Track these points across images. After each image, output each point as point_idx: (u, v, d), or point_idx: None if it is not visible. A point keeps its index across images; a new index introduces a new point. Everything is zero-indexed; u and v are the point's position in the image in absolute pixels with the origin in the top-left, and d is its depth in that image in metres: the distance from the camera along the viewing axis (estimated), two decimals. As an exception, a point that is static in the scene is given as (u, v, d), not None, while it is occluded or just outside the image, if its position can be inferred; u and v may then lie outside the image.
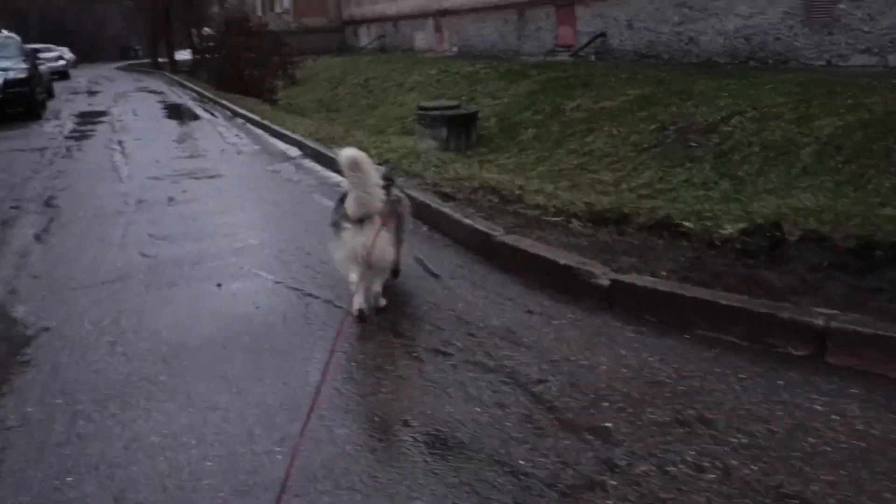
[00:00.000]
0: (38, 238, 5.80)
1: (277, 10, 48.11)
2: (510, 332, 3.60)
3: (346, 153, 3.69)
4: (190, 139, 11.30)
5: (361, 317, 3.75)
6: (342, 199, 3.91)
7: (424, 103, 15.55)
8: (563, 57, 21.67)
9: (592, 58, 20.24)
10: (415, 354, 3.44)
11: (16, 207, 6.94)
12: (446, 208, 5.38)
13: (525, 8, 23.88)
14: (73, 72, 39.34)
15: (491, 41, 26.77)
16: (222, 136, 11.53)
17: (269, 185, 7.41)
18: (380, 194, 3.75)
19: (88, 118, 15.15)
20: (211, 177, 8.04)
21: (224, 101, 16.21)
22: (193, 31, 45.95)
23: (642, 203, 6.24)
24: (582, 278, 3.92)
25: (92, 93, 23.33)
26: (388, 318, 3.85)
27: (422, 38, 33.30)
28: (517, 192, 6.14)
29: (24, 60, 15.47)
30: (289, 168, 8.28)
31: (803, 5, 14.06)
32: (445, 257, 4.80)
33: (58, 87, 25.42)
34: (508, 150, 13.53)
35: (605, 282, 3.82)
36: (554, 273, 4.09)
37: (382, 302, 3.94)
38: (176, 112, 16.25)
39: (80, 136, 12.21)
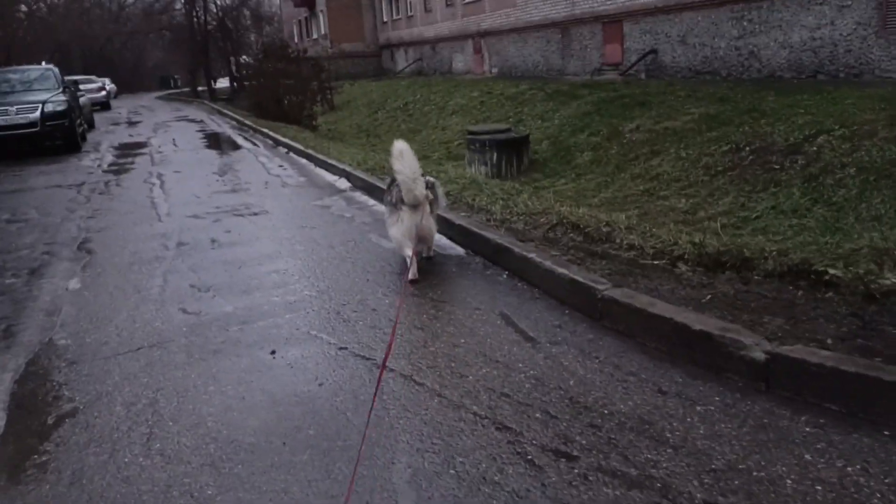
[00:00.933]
0: (68, 291, 5.17)
1: (314, 35, 48.18)
2: (645, 423, 2.83)
3: (398, 145, 4.68)
4: (231, 171, 10.75)
5: (414, 282, 4.75)
6: (390, 186, 5.03)
7: (473, 127, 14.89)
8: (611, 75, 20.89)
9: (643, 76, 19.44)
10: (528, 457, 2.68)
11: (48, 253, 6.36)
12: (532, 254, 4.62)
13: (569, 27, 23.19)
14: (114, 102, 39.66)
15: (533, 61, 26.11)
16: (265, 166, 10.96)
17: (319, 224, 6.74)
18: (423, 183, 4.77)
19: (128, 150, 14.76)
20: (255, 214, 7.41)
21: (264, 130, 15.73)
22: (232, 59, 46.31)
23: (749, 239, 5.43)
24: (727, 349, 3.12)
25: (132, 123, 23.16)
26: (484, 400, 3.11)
27: (460, 60, 32.81)
28: (604, 228, 5.38)
29: (63, 92, 15.18)
30: (339, 203, 7.61)
31: (878, 15, 13.12)
32: (538, 314, 4.04)
33: (99, 117, 25.39)
34: (564, 175, 12.77)
35: (759, 355, 3.02)
36: (687, 341, 3.30)
37: (432, 252, 5.27)
38: (216, 142, 15.81)
39: (118, 169, 11.75)
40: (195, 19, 43.96)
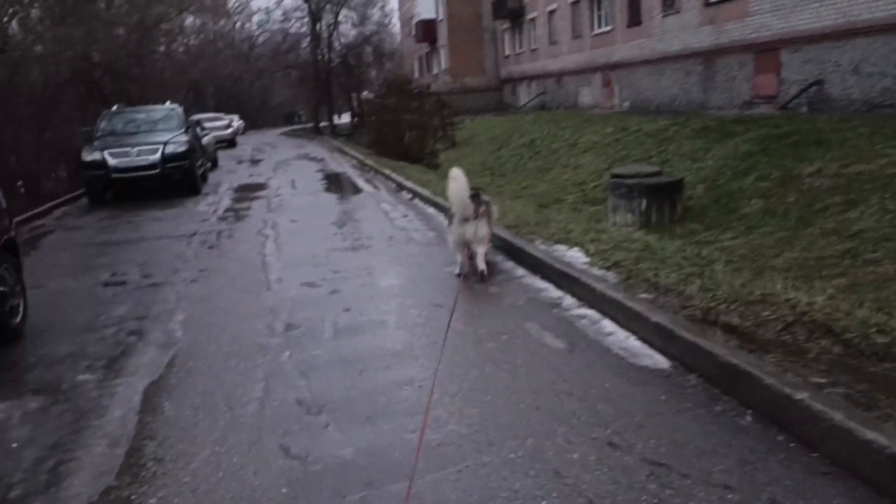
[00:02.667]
0: (144, 404, 3.98)
1: (434, 70, 47.93)
2: None
3: (455, 171, 6.01)
4: (351, 221, 9.63)
5: (461, 276, 5.93)
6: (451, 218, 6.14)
7: (619, 170, 13.25)
8: (765, 109, 18.73)
9: (804, 109, 17.22)
10: None
11: (136, 333, 5.29)
12: (801, 394, 3.03)
13: (713, 57, 21.20)
14: (241, 138, 40.47)
15: (670, 95, 24.18)
16: (388, 215, 9.78)
17: (460, 306, 5.37)
18: (471, 204, 5.91)
19: (246, 192, 14.07)
20: (381, 285, 6.13)
21: (386, 171, 14.70)
22: (353, 94, 46.63)
23: None
24: None
25: (254, 161, 22.92)
26: None
27: (587, 94, 31.23)
28: (874, 335, 3.75)
29: (185, 132, 14.73)
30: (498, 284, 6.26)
31: None
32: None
33: (224, 155, 25.44)
34: (730, 227, 10.91)
35: None
36: None
37: (483, 266, 5.94)
38: (336, 183, 14.92)
39: (233, 216, 10.91)
40: (319, 57, 44.54)
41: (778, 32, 18.17)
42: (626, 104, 27.51)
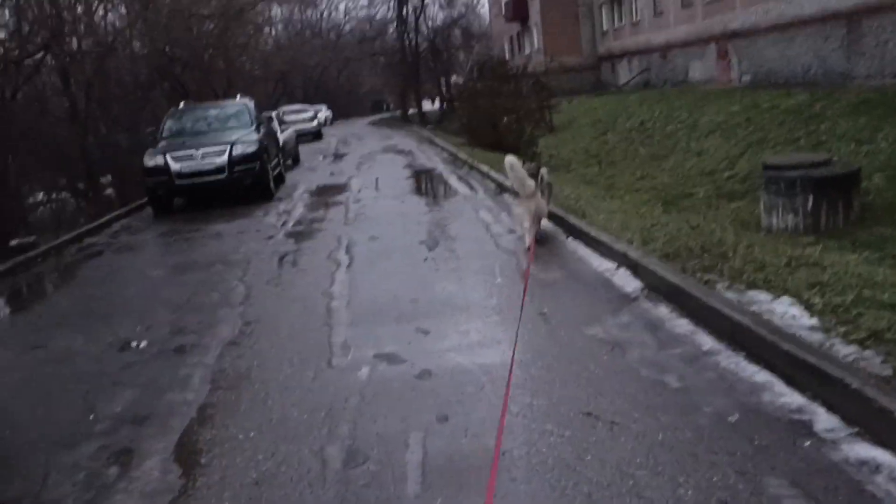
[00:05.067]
0: None
1: (527, 50, 45.42)
2: None
3: (508, 159, 6.63)
4: (444, 239, 7.64)
5: (528, 249, 6.24)
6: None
7: (774, 159, 10.66)
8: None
9: None
10: None
11: (122, 456, 3.45)
12: None
13: (860, 17, 18.04)
14: (328, 129, 39.27)
15: (802, 65, 21.00)
16: (490, 231, 7.73)
17: (616, 402, 3.33)
18: (531, 181, 6.52)
19: (323, 196, 12.30)
20: (493, 363, 4.08)
21: (483, 167, 12.62)
22: (442, 80, 44.73)
23: None
24: None
25: (338, 156, 21.28)
26: None
27: (699, 68, 28.14)
28: None
29: (256, 129, 13.08)
30: (635, 335, 4.17)
31: None
32: None
33: (308, 149, 23.98)
34: (940, 234, 8.35)
35: None
36: None
37: (543, 234, 6.73)
38: (424, 183, 12.99)
39: (304, 231, 9.11)
40: (406, 42, 42.81)
41: (951, -17, 15.02)
42: (747, 78, 24.40)
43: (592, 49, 40.92)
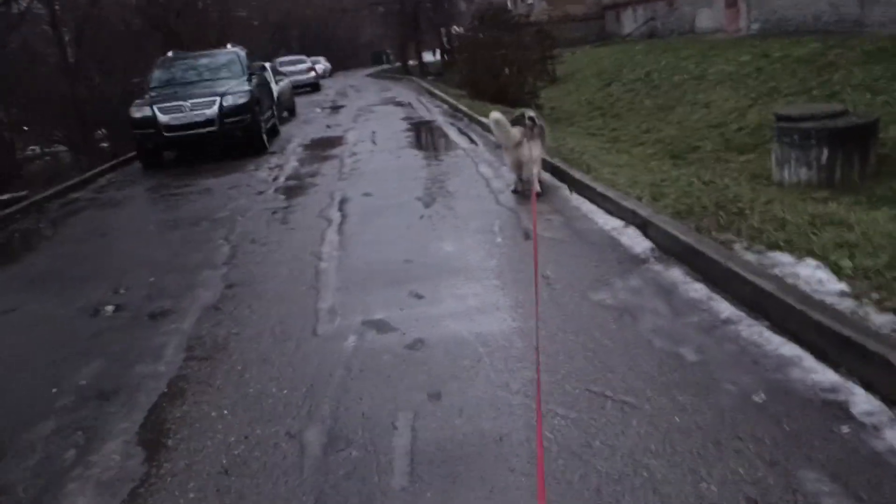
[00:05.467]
0: None
1: (529, 0, 44.26)
2: None
3: (493, 116, 6.40)
4: (442, 195, 7.24)
5: (515, 191, 6.61)
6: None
7: (786, 110, 10.17)
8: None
9: None
10: None
11: (85, 432, 3.14)
12: None
13: (878, -39, 17.33)
14: (326, 81, 38.49)
15: (814, 12, 20.26)
16: (490, 187, 7.33)
17: (630, 378, 3.02)
18: (517, 131, 6.31)
19: (318, 150, 11.85)
20: (492, 331, 3.74)
21: (483, 120, 12.13)
22: (442, 30, 43.65)
23: None
24: None
25: (335, 108, 20.72)
26: None
27: (706, 17, 27.30)
28: None
29: (248, 80, 12.56)
30: (646, 300, 3.83)
31: None
32: None
33: (304, 101, 23.41)
34: (963, 188, 7.94)
35: None
36: None
37: (537, 187, 6.38)
38: (423, 136, 12.53)
39: (295, 187, 8.70)
40: (405, -10, 41.66)
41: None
42: (756, 26, 23.64)
43: (597, -2, 39.81)
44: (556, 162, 7.34)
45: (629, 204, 5.29)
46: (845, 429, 2.49)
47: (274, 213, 7.32)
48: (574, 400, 2.93)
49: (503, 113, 7.30)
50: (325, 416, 3.05)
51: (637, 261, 4.50)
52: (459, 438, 2.78)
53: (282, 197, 8.14)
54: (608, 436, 2.65)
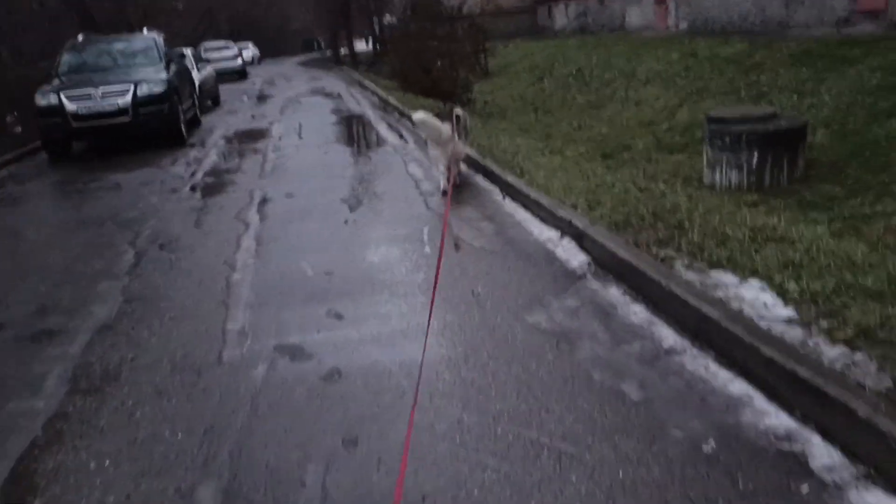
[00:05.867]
0: None
1: (463, -9, 43.94)
2: None
3: (416, 117, 6.44)
4: (369, 197, 6.86)
5: (444, 192, 6.17)
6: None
7: (719, 112, 10.09)
8: (869, 27, 15.36)
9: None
10: None
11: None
12: None
13: (802, -36, 17.63)
14: (254, 69, 37.38)
15: (740, 12, 20.56)
16: (419, 188, 6.98)
17: (556, 411, 2.72)
18: (446, 127, 6.30)
19: (241, 143, 11.28)
20: (411, 359, 3.40)
21: (414, 115, 11.75)
22: (375, 19, 42.91)
23: None
24: None
25: (261, 98, 20.00)
26: None
27: (636, 14, 27.53)
28: None
29: (165, 67, 11.86)
30: (583, 322, 3.56)
31: None
32: None
33: (230, 89, 22.57)
34: (889, 192, 7.99)
35: None
36: None
37: (458, 180, 6.48)
38: (352, 131, 12.08)
39: (213, 185, 8.17)
40: (336, -23, 40.74)
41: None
42: (685, 24, 23.93)
43: (529, -9, 39.80)
44: (489, 164, 7.04)
45: (564, 213, 5.03)
46: (805, 488, 2.25)
47: (187, 214, 6.80)
48: (506, 448, 2.61)
49: (431, 109, 7.18)
50: (222, 468, 2.66)
51: (573, 277, 4.22)
52: (376, 497, 2.42)
53: (197, 196, 7.61)
54: (545, 495, 2.34)
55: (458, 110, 6.95)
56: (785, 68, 13.03)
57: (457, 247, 4.99)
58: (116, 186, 8.45)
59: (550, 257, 4.61)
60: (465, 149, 6.90)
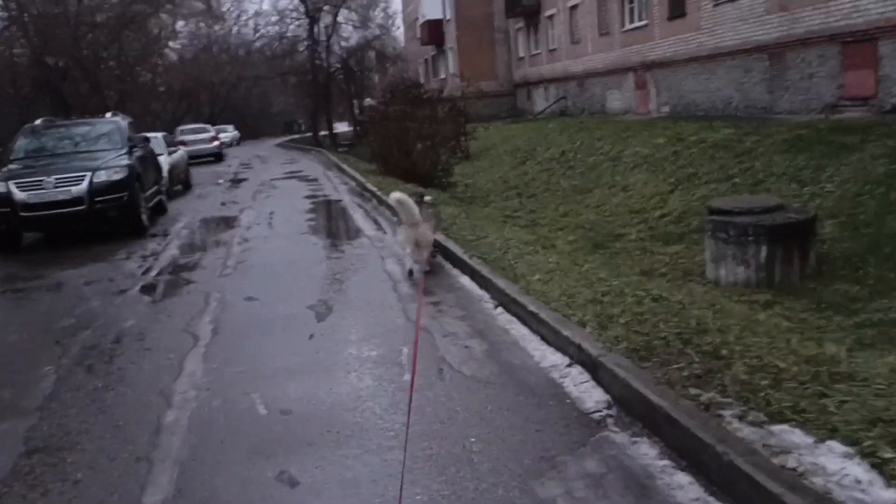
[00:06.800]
0: None
1: (441, 74, 44.36)
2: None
3: (394, 196, 6.50)
4: (340, 304, 5.99)
5: (411, 275, 6.41)
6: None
7: (720, 203, 9.42)
8: (857, 113, 15.08)
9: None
10: None
11: None
12: None
13: (784, 51, 17.45)
14: (233, 150, 36.99)
15: (723, 97, 20.43)
16: (397, 291, 6.15)
17: None
18: (417, 211, 6.36)
19: (205, 234, 10.46)
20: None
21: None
22: (355, 102, 43.06)
23: None
24: None
25: (235, 181, 19.32)
26: None
27: (617, 98, 27.52)
28: None
29: (127, 154, 11.10)
30: (608, 496, 2.65)
31: None
32: None
33: (204, 172, 21.93)
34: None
35: None
36: None
37: (427, 267, 6.50)
38: (327, 220, 11.32)
39: (166, 286, 7.28)
40: (317, 61, 41.00)
41: (876, 19, 14.56)
42: (666, 109, 23.86)
43: (508, 75, 40.23)
44: (476, 264, 6.23)
45: (571, 334, 4.18)
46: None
47: (128, 323, 5.88)
48: None
49: (411, 194, 7.08)
50: None
51: (591, 424, 3.35)
52: None
53: (146, 299, 6.71)
54: None
55: (427, 197, 7.38)
56: (779, 154, 12.55)
57: (441, 374, 4.11)
58: (57, 286, 7.53)
59: (559, 393, 3.74)
60: (434, 235, 6.84)
